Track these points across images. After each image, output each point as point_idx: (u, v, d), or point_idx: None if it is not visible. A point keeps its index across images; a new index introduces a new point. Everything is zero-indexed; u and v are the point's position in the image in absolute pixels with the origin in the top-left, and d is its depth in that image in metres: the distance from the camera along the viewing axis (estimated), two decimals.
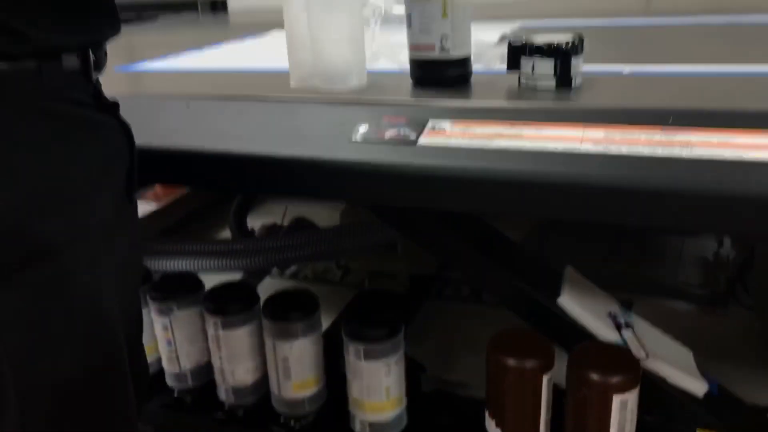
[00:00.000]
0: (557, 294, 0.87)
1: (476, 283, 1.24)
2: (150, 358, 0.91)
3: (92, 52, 0.56)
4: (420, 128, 0.70)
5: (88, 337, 0.53)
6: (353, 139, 0.71)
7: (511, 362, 0.78)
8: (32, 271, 0.49)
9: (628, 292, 1.22)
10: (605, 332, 0.85)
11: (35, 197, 0.49)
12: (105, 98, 0.59)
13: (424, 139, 0.68)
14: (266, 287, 1.45)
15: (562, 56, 0.78)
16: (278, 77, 0.95)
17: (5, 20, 0.46)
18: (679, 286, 1.30)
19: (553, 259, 1.03)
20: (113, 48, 0.61)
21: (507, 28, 1.22)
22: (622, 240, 1.45)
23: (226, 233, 1.71)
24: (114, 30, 0.60)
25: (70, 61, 0.53)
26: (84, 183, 0.53)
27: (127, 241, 0.60)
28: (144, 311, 0.89)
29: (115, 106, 0.60)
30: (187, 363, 1.05)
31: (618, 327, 0.86)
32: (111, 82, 0.63)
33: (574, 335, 0.85)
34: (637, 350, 0.83)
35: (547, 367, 0.79)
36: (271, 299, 0.98)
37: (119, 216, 0.58)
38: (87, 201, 0.53)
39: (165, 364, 1.07)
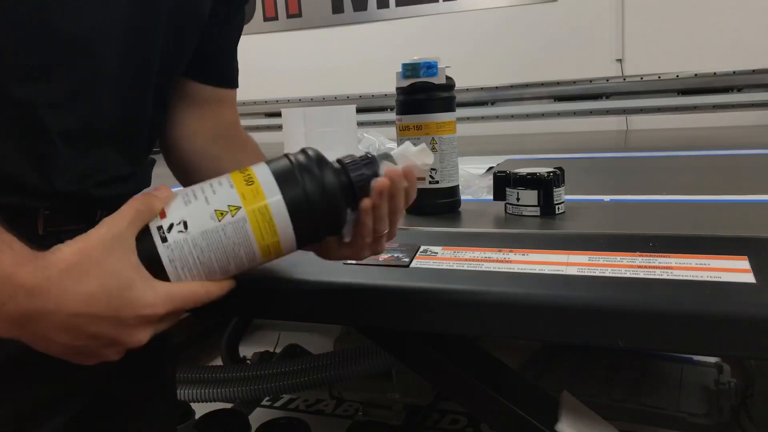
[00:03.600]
0: (555, 421, 0.85)
1: (472, 410, 1.20)
2: None
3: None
4: (412, 252, 0.73)
5: None
6: (348, 263, 0.73)
7: None
8: None
9: (629, 421, 1.19)
10: None
11: None
12: None
13: (417, 263, 0.71)
14: (258, 417, 1.40)
15: (544, 187, 0.83)
16: None
17: None
18: (681, 416, 1.27)
19: (552, 387, 1.02)
20: None
21: (494, 161, 1.31)
22: (620, 368, 1.43)
23: (218, 361, 1.68)
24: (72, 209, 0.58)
25: None
26: None
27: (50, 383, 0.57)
28: None
29: None
30: None
31: None
32: None
33: None
34: None
35: None
36: (263, 429, 0.95)
37: (34, 361, 0.53)
38: None
39: None
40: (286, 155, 0.52)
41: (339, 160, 0.53)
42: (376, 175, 0.52)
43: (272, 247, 0.50)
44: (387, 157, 0.53)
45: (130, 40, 0.57)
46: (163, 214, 0.48)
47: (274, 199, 0.49)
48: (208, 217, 0.48)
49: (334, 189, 0.51)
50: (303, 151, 0.52)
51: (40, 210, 0.55)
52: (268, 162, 0.52)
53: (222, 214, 0.48)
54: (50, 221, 0.56)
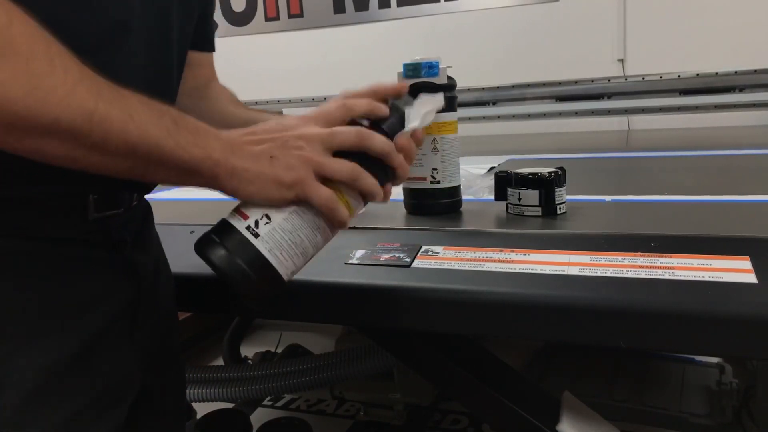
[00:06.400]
0: (557, 421, 0.85)
1: (474, 410, 1.20)
2: None
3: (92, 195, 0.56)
4: (414, 252, 0.73)
5: None
6: (350, 263, 0.74)
7: None
8: None
9: (630, 422, 1.19)
10: None
11: None
12: (112, 235, 0.59)
13: (418, 262, 0.71)
14: (259, 417, 1.40)
15: (546, 187, 0.83)
16: None
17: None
18: (683, 416, 1.26)
19: (553, 387, 1.01)
20: None
21: (495, 161, 1.31)
22: (622, 368, 1.43)
23: (219, 361, 1.68)
24: (133, 186, 0.61)
25: (51, 205, 0.53)
26: (25, 317, 0.51)
27: (104, 371, 0.57)
28: None
29: (122, 243, 0.60)
30: None
31: None
32: None
33: None
34: None
35: None
36: (265, 429, 0.96)
37: (93, 348, 0.55)
38: (30, 334, 0.51)
39: None
40: None
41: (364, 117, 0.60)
42: (401, 118, 0.60)
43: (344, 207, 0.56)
44: (406, 103, 0.61)
45: (151, 16, 0.58)
46: (245, 216, 0.54)
47: None
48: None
49: None
50: None
51: (88, 195, 0.56)
52: None
53: None
54: (97, 206, 0.57)
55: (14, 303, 0.51)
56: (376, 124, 0.59)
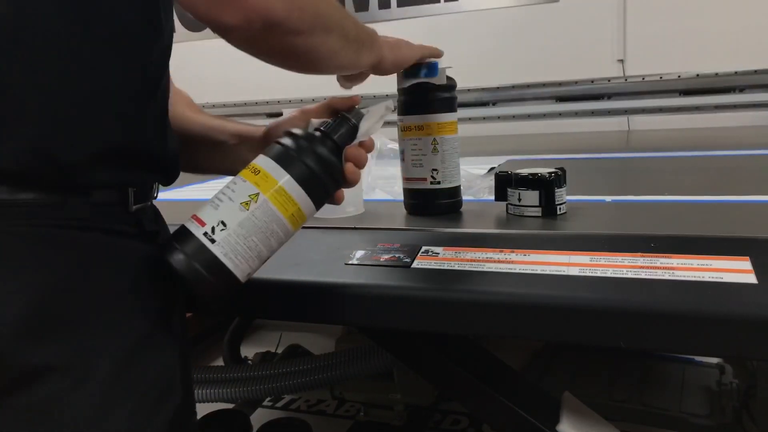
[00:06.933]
0: (557, 422, 0.85)
1: (474, 410, 1.20)
2: None
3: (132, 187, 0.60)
4: (414, 253, 0.73)
5: None
6: (350, 263, 0.74)
7: None
8: (21, 395, 0.50)
9: (630, 422, 1.19)
10: None
11: (25, 320, 0.50)
12: (145, 227, 0.61)
13: (418, 263, 0.71)
14: (259, 417, 1.40)
15: (546, 187, 0.83)
16: None
17: (58, 164, 0.52)
18: (683, 417, 1.26)
19: (554, 387, 1.01)
20: None
21: (495, 162, 1.31)
22: (622, 369, 1.43)
23: (219, 361, 1.68)
24: (163, 177, 0.65)
25: (103, 196, 0.57)
26: (97, 306, 0.54)
27: (162, 360, 0.60)
28: None
29: (154, 234, 0.62)
30: None
31: None
32: None
33: None
34: None
35: None
36: (265, 430, 0.96)
37: (152, 337, 0.58)
38: (100, 323, 0.54)
39: None
40: (276, 141, 0.62)
41: (317, 129, 0.64)
42: (351, 129, 0.65)
43: (296, 214, 0.60)
44: (356, 115, 0.67)
45: None
46: (202, 222, 0.57)
47: (284, 179, 0.59)
48: (238, 210, 0.57)
49: (325, 153, 0.62)
50: (288, 133, 0.63)
51: (128, 187, 0.59)
52: (265, 152, 0.61)
53: (247, 204, 0.58)
54: (135, 198, 0.60)
55: (85, 295, 0.53)
56: (327, 135, 0.63)
